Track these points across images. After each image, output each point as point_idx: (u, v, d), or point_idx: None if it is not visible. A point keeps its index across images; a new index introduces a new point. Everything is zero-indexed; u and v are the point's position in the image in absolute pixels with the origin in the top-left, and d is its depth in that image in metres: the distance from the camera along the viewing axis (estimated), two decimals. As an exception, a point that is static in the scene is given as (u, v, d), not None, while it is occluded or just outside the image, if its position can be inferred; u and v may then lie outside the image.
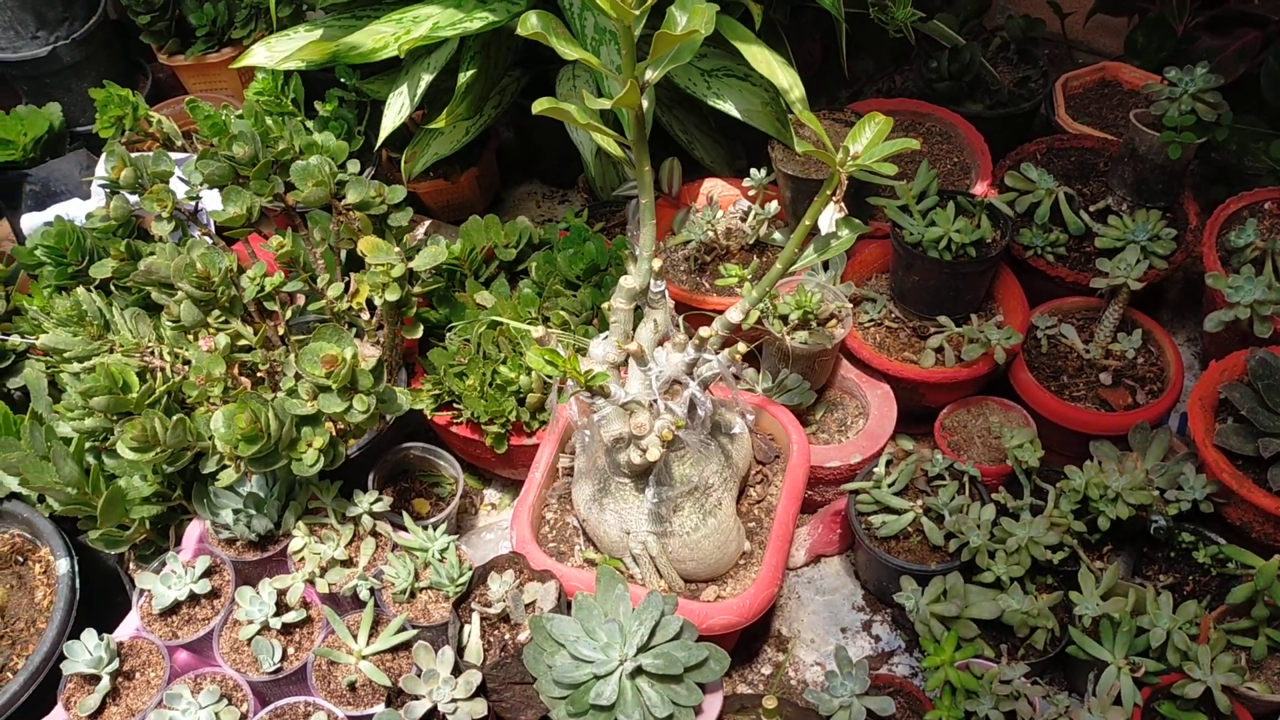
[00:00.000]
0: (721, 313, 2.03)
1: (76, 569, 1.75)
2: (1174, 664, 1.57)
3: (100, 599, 1.84)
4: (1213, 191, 2.32)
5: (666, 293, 1.53)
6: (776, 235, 2.17)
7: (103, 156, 2.31)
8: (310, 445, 1.55)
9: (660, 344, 1.55)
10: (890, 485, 1.83)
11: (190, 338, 1.64)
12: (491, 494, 2.13)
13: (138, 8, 2.42)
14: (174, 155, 2.37)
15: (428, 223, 2.66)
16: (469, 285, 2.06)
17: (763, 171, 2.12)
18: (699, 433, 1.50)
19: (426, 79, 2.10)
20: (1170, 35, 2.38)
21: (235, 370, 1.59)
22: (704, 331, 1.40)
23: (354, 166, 2.25)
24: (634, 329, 1.57)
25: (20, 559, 1.80)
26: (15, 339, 1.91)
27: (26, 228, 2.20)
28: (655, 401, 1.43)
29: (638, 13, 1.25)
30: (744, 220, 2.20)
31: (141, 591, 1.70)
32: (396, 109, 2.13)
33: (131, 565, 1.80)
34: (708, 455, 1.59)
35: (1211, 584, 1.71)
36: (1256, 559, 1.64)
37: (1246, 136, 2.21)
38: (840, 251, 1.43)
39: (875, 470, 1.85)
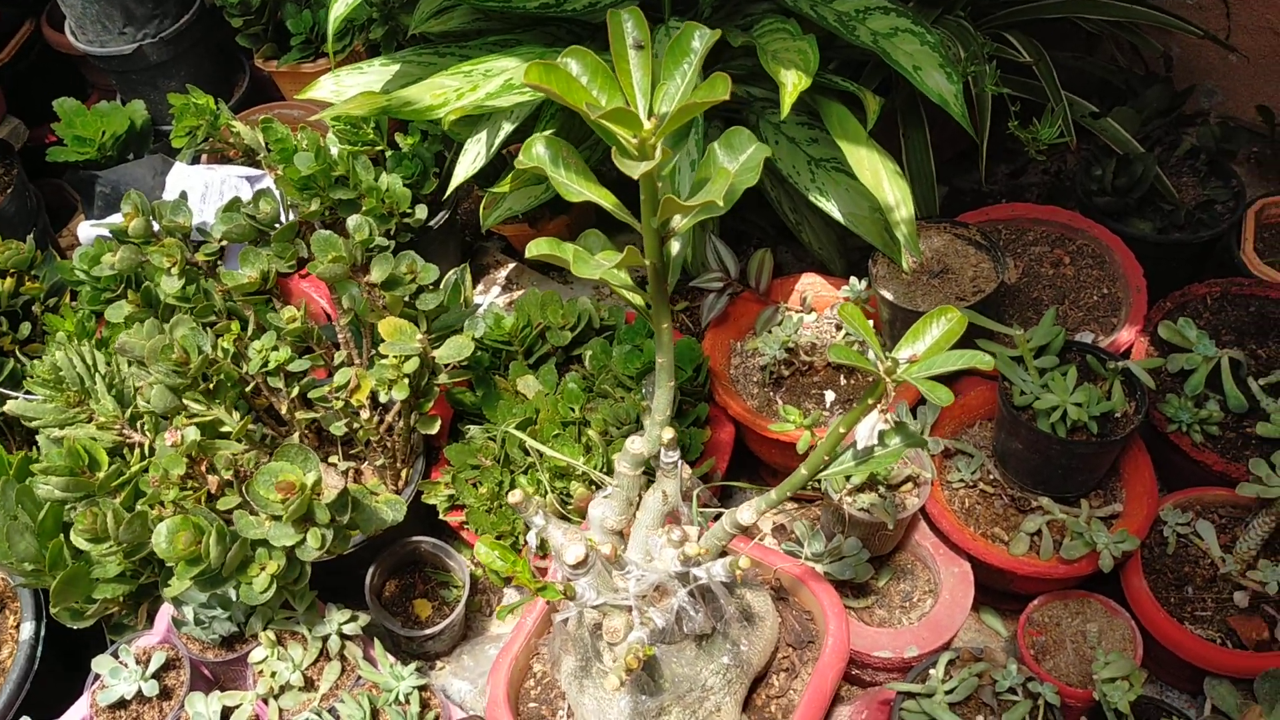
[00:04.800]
0: (787, 444, 1.78)
1: (42, 634, 1.64)
2: None
3: (80, 657, 1.73)
4: None
5: (680, 463, 1.28)
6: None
7: (172, 168, 2.20)
8: (263, 569, 1.38)
9: (666, 522, 1.30)
10: (948, 694, 1.53)
11: (169, 420, 1.49)
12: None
13: (233, 10, 2.29)
14: (251, 172, 2.25)
15: (512, 265, 2.47)
16: (513, 369, 1.85)
17: (863, 283, 1.81)
18: (688, 642, 1.25)
19: (507, 128, 1.89)
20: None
21: (204, 466, 1.42)
22: (691, 549, 1.14)
23: (422, 211, 2.08)
24: (641, 494, 1.33)
25: (-1, 606, 1.72)
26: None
27: (84, 237, 2.10)
28: (633, 608, 1.18)
29: (656, 161, 0.99)
30: (839, 329, 1.90)
31: (95, 676, 1.58)
32: (471, 157, 1.92)
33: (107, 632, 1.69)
34: (709, 652, 1.34)
35: None
36: None
37: None
38: (887, 464, 1.14)
39: (932, 671, 1.55)
